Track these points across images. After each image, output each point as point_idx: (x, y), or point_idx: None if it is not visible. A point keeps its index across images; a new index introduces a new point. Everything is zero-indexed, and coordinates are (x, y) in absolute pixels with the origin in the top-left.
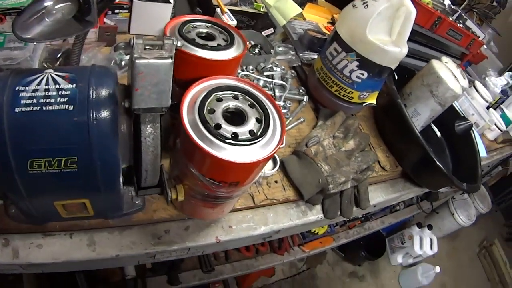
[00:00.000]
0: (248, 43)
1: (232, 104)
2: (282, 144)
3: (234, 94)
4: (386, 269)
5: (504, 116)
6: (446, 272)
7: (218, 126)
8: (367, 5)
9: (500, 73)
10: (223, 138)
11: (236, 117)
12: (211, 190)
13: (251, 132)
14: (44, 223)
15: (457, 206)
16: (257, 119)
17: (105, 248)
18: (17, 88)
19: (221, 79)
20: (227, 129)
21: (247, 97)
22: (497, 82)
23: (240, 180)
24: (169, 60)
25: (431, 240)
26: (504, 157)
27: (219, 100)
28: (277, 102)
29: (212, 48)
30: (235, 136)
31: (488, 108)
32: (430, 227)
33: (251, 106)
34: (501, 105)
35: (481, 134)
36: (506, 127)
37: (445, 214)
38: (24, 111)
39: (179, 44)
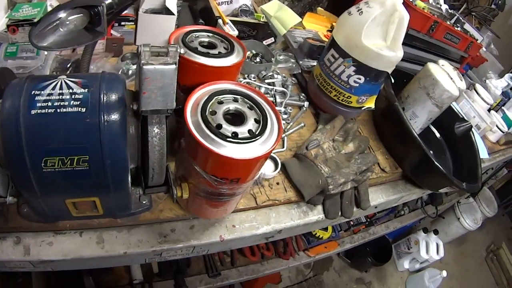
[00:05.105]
0: (249, 52)
1: (232, 106)
2: (279, 143)
3: (234, 97)
4: (393, 275)
5: (506, 118)
6: (454, 277)
7: (219, 126)
8: (362, 11)
9: (501, 75)
10: (223, 137)
11: (236, 118)
12: (214, 187)
13: (250, 131)
14: (55, 221)
15: (463, 210)
16: (255, 120)
17: (114, 245)
18: (33, 92)
19: (222, 84)
20: (228, 128)
21: (246, 100)
22: (498, 84)
23: (241, 176)
24: (174, 66)
25: (437, 244)
26: (507, 158)
27: (220, 102)
28: (278, 108)
29: (213, 56)
30: (235, 135)
31: (489, 110)
32: (436, 232)
33: (250, 108)
34: (503, 107)
35: (482, 136)
36: (508, 129)
37: (451, 218)
38: (39, 113)
39: (182, 51)
